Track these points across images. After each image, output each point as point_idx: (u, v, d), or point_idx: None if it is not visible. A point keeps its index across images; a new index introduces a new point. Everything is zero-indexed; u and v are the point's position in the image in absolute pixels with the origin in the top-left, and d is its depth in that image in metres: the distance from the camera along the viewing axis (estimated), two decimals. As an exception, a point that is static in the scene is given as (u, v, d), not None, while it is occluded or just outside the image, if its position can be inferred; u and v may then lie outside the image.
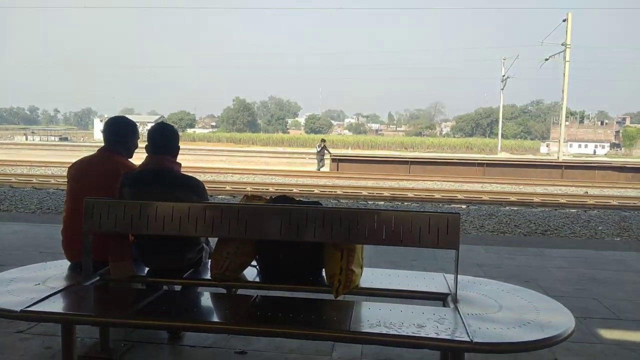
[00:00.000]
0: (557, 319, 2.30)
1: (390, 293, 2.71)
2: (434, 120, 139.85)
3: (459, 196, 13.73)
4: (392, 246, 2.57)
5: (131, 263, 2.84)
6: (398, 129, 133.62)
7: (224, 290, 2.96)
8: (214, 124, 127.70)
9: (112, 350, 2.89)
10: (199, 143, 70.56)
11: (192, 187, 2.82)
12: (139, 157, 2.93)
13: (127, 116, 3.54)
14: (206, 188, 2.93)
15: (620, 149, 79.89)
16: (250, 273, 2.89)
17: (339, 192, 14.13)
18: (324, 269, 2.74)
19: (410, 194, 14.02)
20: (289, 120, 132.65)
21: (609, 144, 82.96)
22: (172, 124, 3.46)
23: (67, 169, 3.23)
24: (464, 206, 11.89)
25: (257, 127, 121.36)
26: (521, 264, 5.11)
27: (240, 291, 3.01)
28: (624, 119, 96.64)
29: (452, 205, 12.24)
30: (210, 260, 2.87)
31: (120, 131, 3.21)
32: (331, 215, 2.54)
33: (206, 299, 2.67)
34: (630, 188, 17.99)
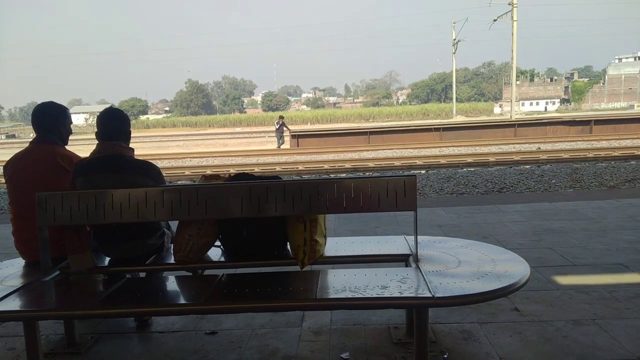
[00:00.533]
0: (513, 268, 2.41)
1: (355, 259, 2.78)
2: (390, 89, 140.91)
3: (418, 162, 14.00)
4: (354, 214, 2.62)
5: (90, 254, 2.78)
6: (355, 100, 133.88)
7: (189, 274, 2.95)
8: (167, 108, 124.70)
9: (79, 344, 2.85)
10: (154, 130, 68.94)
11: (147, 172, 2.76)
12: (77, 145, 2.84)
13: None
14: (164, 174, 2.88)
15: (570, 104, 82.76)
16: (215, 253, 2.89)
17: (300, 167, 14.14)
18: (288, 242, 2.77)
19: (371, 164, 14.18)
20: (245, 100, 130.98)
21: (559, 100, 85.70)
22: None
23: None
24: (423, 171, 12.13)
25: (213, 108, 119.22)
26: (479, 222, 5.28)
27: (206, 272, 3.01)
28: (572, 74, 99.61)
29: (412, 171, 12.46)
30: (172, 244, 2.84)
31: (49, 119, 3.04)
32: (291, 188, 2.55)
33: (171, 283, 2.65)
34: (580, 140, 18.77)
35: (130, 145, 2.91)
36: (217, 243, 2.88)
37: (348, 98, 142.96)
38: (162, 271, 3.02)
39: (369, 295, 2.13)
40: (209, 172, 13.94)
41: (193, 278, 2.89)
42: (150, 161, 2.87)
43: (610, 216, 5.22)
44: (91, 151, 2.82)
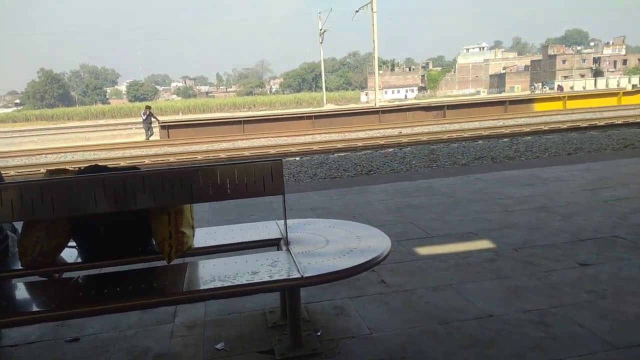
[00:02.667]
0: (376, 243, 2.55)
1: (226, 248, 2.72)
2: (262, 79, 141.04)
3: (293, 149, 14.20)
4: (229, 203, 2.55)
5: None
6: (228, 89, 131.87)
7: (43, 279, 2.67)
8: (18, 101, 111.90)
9: None
10: (3, 125, 61.56)
11: None
12: None
13: None
14: (16, 172, 2.55)
15: (427, 91, 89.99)
16: (71, 254, 2.65)
17: (172, 159, 13.59)
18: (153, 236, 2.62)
19: (246, 153, 14.10)
20: (108, 90, 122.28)
21: (417, 88, 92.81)
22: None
23: None
24: (297, 158, 12.34)
25: (71, 100, 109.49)
26: (349, 203, 5.52)
27: (64, 276, 2.74)
28: (427, 63, 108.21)
29: (287, 159, 12.62)
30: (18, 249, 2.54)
31: None
32: (152, 178, 2.40)
33: (20, 290, 2.37)
34: (435, 124, 20.52)
35: None
36: (72, 243, 2.63)
37: (221, 87, 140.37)
38: (10, 278, 2.69)
39: (239, 283, 2.11)
40: (69, 168, 12.76)
41: (47, 283, 2.61)
42: None
43: (461, 190, 5.76)
44: None
